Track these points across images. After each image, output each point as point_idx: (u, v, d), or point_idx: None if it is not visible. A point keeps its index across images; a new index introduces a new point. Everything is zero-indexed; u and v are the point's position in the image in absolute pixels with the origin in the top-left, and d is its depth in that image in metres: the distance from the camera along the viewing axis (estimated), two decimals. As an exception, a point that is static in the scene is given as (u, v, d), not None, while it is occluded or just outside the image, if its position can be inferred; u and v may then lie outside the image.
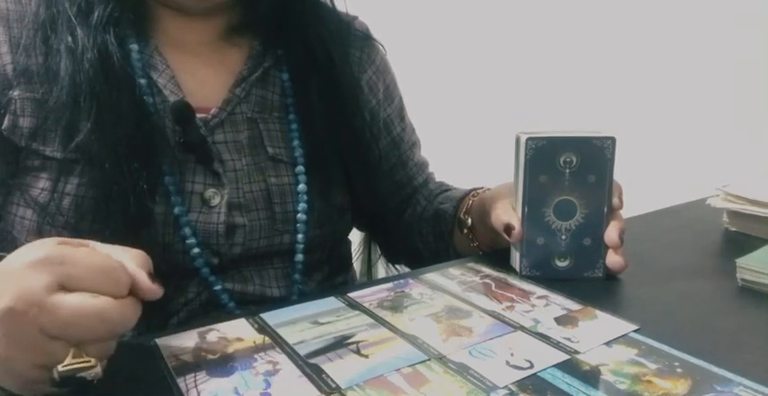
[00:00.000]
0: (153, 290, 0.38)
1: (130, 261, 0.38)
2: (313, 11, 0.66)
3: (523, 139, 0.54)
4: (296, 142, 0.62)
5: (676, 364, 0.40)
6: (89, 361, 0.34)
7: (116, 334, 0.37)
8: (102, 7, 0.54)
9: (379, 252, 0.82)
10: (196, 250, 0.55)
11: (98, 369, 0.35)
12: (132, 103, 0.53)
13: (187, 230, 0.55)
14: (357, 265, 0.80)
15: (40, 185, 0.53)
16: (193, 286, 0.57)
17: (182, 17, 0.61)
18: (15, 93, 0.53)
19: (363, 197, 0.68)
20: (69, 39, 0.53)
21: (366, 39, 0.75)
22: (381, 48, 0.76)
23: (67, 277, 0.34)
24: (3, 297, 0.33)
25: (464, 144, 1.61)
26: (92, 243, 0.39)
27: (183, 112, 0.55)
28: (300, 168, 0.61)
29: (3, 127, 0.53)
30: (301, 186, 0.61)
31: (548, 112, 1.40)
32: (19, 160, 0.54)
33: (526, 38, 1.47)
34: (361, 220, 0.75)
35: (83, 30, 0.53)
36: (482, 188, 0.70)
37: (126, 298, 0.36)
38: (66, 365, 0.34)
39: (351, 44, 0.72)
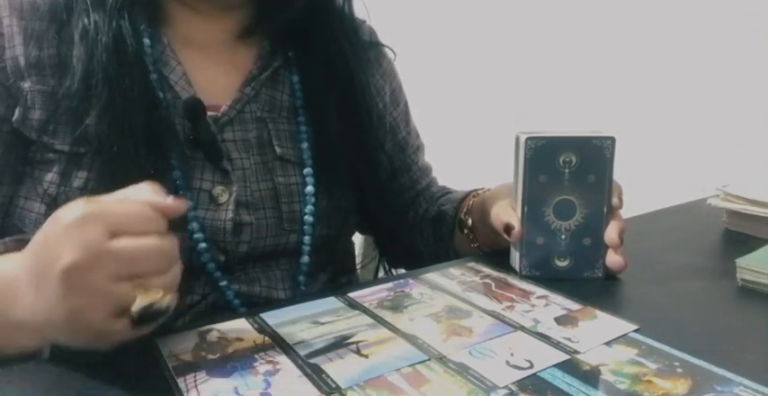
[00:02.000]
0: (178, 204, 0.40)
1: (145, 193, 0.40)
2: (326, 15, 0.66)
3: (523, 138, 0.54)
4: (305, 144, 0.62)
5: (676, 364, 0.40)
6: (158, 292, 0.37)
7: (172, 265, 0.39)
8: None
9: (388, 270, 0.82)
10: (203, 245, 0.55)
11: (169, 297, 0.38)
12: (144, 91, 0.54)
13: (195, 225, 0.55)
14: (361, 273, 0.80)
15: (49, 179, 0.53)
16: (199, 288, 0.57)
17: (194, 15, 0.61)
18: (27, 84, 0.54)
19: (370, 200, 0.68)
20: (85, 22, 0.53)
21: (374, 43, 0.75)
22: (389, 52, 0.76)
23: (114, 225, 0.37)
24: (63, 256, 0.35)
25: (464, 144, 1.61)
26: (105, 197, 0.40)
27: (195, 108, 0.55)
28: (308, 170, 0.61)
29: (13, 119, 0.54)
30: (309, 188, 0.61)
31: (548, 112, 1.40)
32: (29, 154, 0.54)
33: (526, 39, 1.47)
34: (364, 224, 0.75)
35: (98, 14, 0.54)
36: (482, 189, 0.70)
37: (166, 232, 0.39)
38: (139, 304, 0.36)
39: (359, 47, 0.72)
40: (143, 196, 0.40)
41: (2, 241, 0.50)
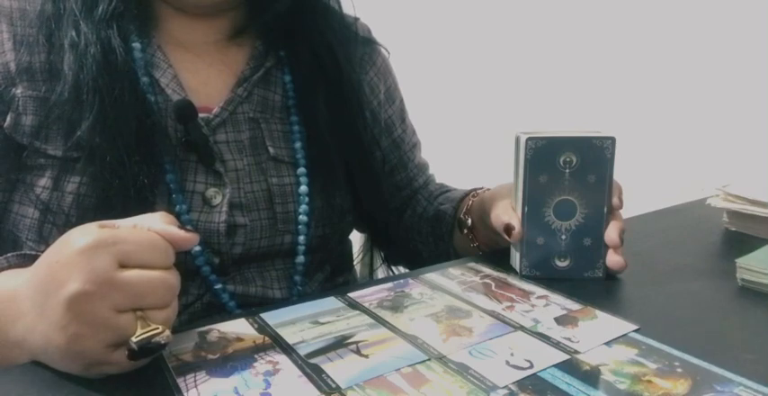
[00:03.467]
0: (190, 238, 0.40)
1: (158, 222, 0.40)
2: (318, 14, 0.66)
3: (523, 139, 0.54)
4: (298, 144, 0.62)
5: (676, 363, 0.40)
6: (158, 328, 0.37)
7: (174, 299, 0.39)
8: (106, 2, 0.55)
9: (381, 263, 0.82)
10: (197, 248, 0.55)
11: (168, 333, 0.38)
12: (134, 99, 0.54)
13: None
14: (358, 268, 0.80)
15: (42, 184, 0.53)
16: (194, 288, 0.57)
17: (184, 17, 0.61)
18: (18, 90, 0.53)
19: (365, 198, 0.68)
20: (73, 33, 0.53)
21: (368, 40, 0.75)
22: (383, 50, 0.76)
23: (124, 255, 0.37)
24: (70, 283, 0.36)
25: (464, 144, 1.61)
26: (117, 222, 0.40)
27: (186, 110, 0.55)
28: (302, 170, 0.61)
29: (5, 125, 0.53)
30: (303, 188, 0.61)
31: (548, 112, 1.41)
32: (22, 159, 0.54)
33: (526, 38, 1.47)
34: (361, 222, 0.75)
35: (86, 24, 0.53)
36: (482, 188, 0.70)
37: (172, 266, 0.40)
38: (139, 336, 0.36)
39: (353, 45, 0.72)
40: (156, 225, 0.39)
41: (4, 257, 0.50)
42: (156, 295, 0.38)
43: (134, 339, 0.36)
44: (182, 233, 0.40)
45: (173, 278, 0.39)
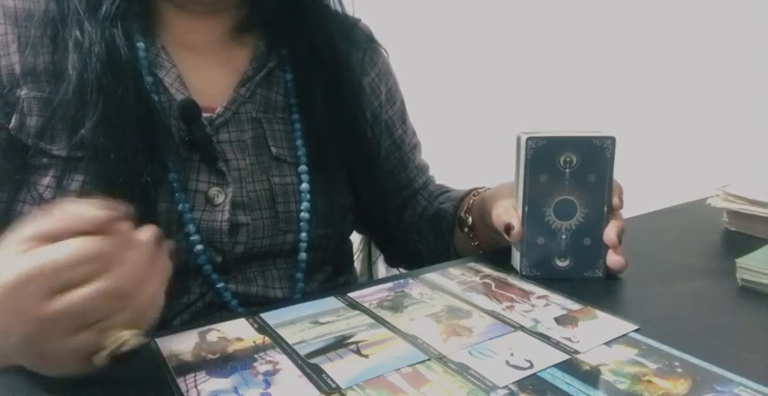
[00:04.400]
0: (112, 216, 0.37)
1: (85, 211, 0.37)
2: (319, 13, 0.66)
3: (524, 138, 0.54)
4: (299, 142, 0.62)
5: (676, 363, 0.40)
6: (123, 334, 0.35)
7: (129, 299, 0.36)
8: (109, 1, 0.55)
9: (380, 253, 0.82)
10: (199, 247, 0.55)
11: (136, 335, 0.36)
12: (138, 98, 0.54)
13: (191, 227, 0.55)
14: (357, 264, 0.80)
15: (45, 183, 0.54)
16: (196, 287, 0.57)
17: (187, 16, 0.61)
18: (23, 92, 0.54)
19: (366, 198, 0.69)
20: (77, 32, 0.53)
21: (369, 41, 0.75)
22: (384, 51, 0.76)
23: (54, 282, 0.34)
24: (14, 330, 0.35)
25: (464, 144, 1.61)
26: (46, 222, 0.37)
27: (190, 110, 0.55)
28: (303, 168, 0.62)
29: (10, 126, 0.54)
30: (304, 186, 0.61)
31: (548, 112, 1.40)
32: (26, 159, 0.54)
33: (526, 39, 1.47)
34: (361, 223, 0.75)
35: (91, 23, 0.54)
36: (482, 188, 0.70)
37: (114, 268, 0.36)
38: (106, 350, 0.35)
39: (354, 46, 0.72)
40: (84, 213, 0.37)
41: None
42: (102, 306, 0.35)
43: (103, 354, 0.35)
44: (103, 215, 0.36)
45: (114, 282, 0.35)
